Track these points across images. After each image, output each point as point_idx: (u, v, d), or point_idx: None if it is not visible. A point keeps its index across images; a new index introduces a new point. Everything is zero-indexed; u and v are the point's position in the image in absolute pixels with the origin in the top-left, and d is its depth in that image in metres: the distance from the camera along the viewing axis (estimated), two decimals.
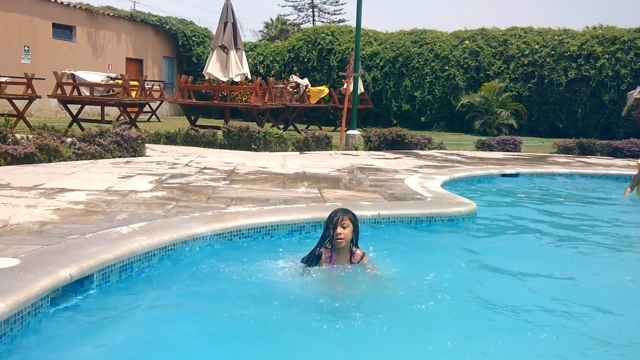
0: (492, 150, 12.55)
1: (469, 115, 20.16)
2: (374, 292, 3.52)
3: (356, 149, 11.98)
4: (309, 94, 19.11)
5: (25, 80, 14.24)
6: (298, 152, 10.84)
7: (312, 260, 3.67)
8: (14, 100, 14.14)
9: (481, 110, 19.85)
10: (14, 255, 3.19)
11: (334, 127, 20.30)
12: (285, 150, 11.00)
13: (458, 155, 11.24)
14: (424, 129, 20.75)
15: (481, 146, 12.92)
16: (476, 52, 21.57)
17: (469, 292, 3.57)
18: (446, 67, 21.86)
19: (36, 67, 19.21)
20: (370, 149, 11.96)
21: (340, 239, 3.55)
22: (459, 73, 21.67)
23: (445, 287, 3.59)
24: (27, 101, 14.08)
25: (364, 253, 3.73)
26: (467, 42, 21.94)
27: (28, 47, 20.29)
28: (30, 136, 9.16)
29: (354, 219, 3.67)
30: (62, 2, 21.97)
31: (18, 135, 9.41)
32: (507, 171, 8.69)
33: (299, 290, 3.42)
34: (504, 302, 3.43)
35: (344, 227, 3.57)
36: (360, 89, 17.34)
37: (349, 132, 12.57)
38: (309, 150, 11.18)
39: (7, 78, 15.41)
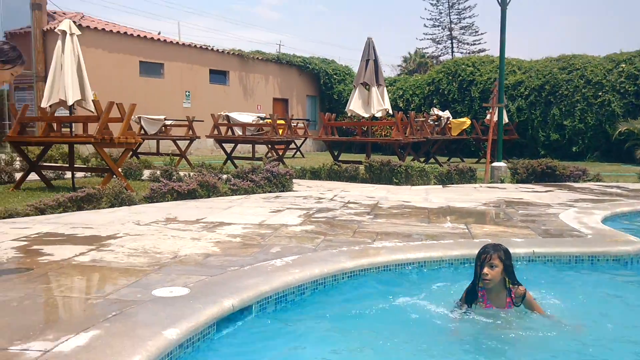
0: None
1: (629, 144, 18.49)
2: (542, 335, 3.22)
3: (502, 182, 11.51)
4: (450, 126, 18.83)
5: (187, 123, 15.69)
6: (441, 186, 10.67)
7: (465, 298, 3.50)
8: (177, 141, 15.62)
9: None
10: (184, 284, 3.49)
11: (477, 159, 19.73)
12: (428, 184, 10.89)
13: (618, 187, 10.32)
14: (576, 160, 19.40)
15: None
16: (635, 75, 19.87)
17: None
18: (599, 93, 20.37)
19: (195, 110, 21.13)
20: (517, 182, 11.42)
21: (487, 279, 3.34)
22: (614, 99, 20.07)
23: (621, 337, 3.27)
24: (188, 141, 15.47)
25: (525, 291, 3.40)
26: (624, 65, 20.30)
27: (189, 92, 22.37)
28: (192, 173, 10.04)
29: (505, 258, 3.41)
30: (217, 50, 24.02)
31: (181, 173, 10.37)
32: None
33: (451, 330, 3.34)
34: None
35: (491, 267, 3.34)
36: (505, 119, 16.73)
37: (494, 164, 12.13)
38: (452, 184, 10.95)
39: (172, 121, 17.11)
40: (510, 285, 3.41)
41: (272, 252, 4.52)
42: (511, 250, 4.58)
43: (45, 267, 3.95)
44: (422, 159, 16.40)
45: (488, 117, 17.34)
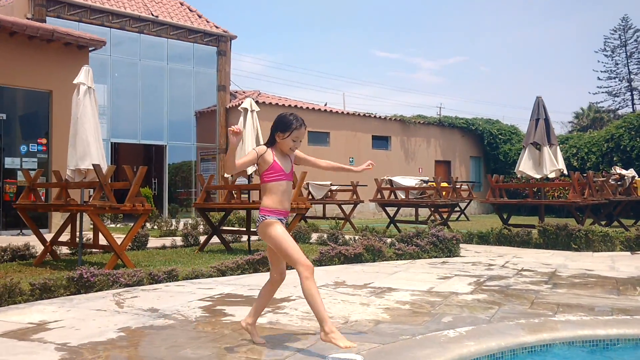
0: None
1: None
2: None
3: None
4: (635, 185, 17.03)
5: (351, 188, 16.16)
6: (629, 253, 9.58)
7: None
8: (342, 205, 16.11)
9: None
10: (357, 351, 3.49)
11: None
12: (612, 250, 9.84)
13: None
14: None
15: None
16: None
17: None
18: None
19: (359, 175, 21.72)
20: None
21: None
22: None
23: None
24: (352, 205, 15.87)
25: None
26: None
27: (352, 158, 23.15)
28: (357, 237, 10.22)
29: None
30: (380, 117, 24.73)
31: (346, 236, 10.60)
32: None
33: None
34: None
35: None
36: None
37: None
38: None
39: (337, 186, 17.75)
40: None
41: (444, 322, 4.37)
42: None
43: (228, 327, 4.23)
44: (603, 223, 14.94)
45: None
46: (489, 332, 4.00)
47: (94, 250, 9.30)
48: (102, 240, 8.13)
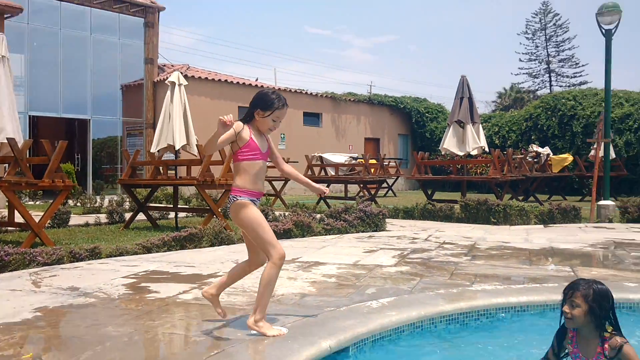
0: None
1: None
2: None
3: (610, 221, 10.78)
4: (550, 162, 18.02)
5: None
6: (542, 225, 10.17)
7: (556, 335, 3.06)
8: (272, 182, 16.09)
9: None
10: (282, 324, 3.55)
11: (580, 197, 18.69)
12: (528, 224, 10.42)
13: None
14: None
15: None
16: None
17: None
18: None
19: (290, 151, 21.75)
20: (628, 221, 10.65)
21: (567, 318, 2.89)
22: None
23: None
24: (283, 182, 15.88)
25: (623, 343, 2.80)
26: None
27: (284, 134, 23.10)
28: (287, 213, 10.27)
29: (594, 299, 2.83)
30: (311, 93, 24.74)
31: (277, 213, 10.63)
32: None
33: None
34: None
35: (572, 306, 2.87)
36: (612, 154, 15.78)
37: (601, 202, 11.42)
38: (554, 223, 10.41)
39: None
40: (607, 334, 2.86)
41: (368, 293, 4.50)
42: (621, 296, 4.29)
43: (152, 304, 4.17)
44: (521, 198, 15.75)
45: (592, 152, 16.44)
46: (410, 302, 4.16)
47: (9, 228, 8.87)
48: (19, 218, 7.76)
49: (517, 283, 4.95)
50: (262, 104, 3.52)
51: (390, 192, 21.84)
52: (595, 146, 12.79)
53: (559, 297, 4.36)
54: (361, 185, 16.31)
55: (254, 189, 3.49)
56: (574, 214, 10.72)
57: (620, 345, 2.79)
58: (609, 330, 2.87)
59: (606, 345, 2.84)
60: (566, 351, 3.03)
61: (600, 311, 2.84)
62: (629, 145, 20.73)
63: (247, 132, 3.49)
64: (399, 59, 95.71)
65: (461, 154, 13.17)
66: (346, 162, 16.29)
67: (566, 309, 2.91)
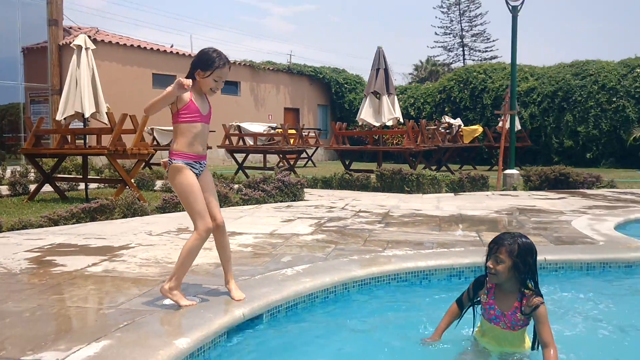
0: None
1: None
2: None
3: (515, 189, 11.45)
4: (461, 133, 18.79)
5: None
6: (452, 194, 10.63)
7: (472, 286, 3.06)
8: None
9: None
10: (195, 294, 3.52)
11: (489, 167, 19.65)
12: (439, 192, 10.85)
13: (633, 194, 10.22)
14: (590, 166, 19.26)
15: None
16: None
17: None
18: (614, 99, 20.25)
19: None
20: (530, 189, 11.35)
21: (491, 274, 2.84)
22: (629, 104, 19.95)
23: (623, 345, 3.24)
24: None
25: (540, 303, 2.79)
26: (639, 69, 20.16)
27: None
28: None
29: (519, 254, 2.79)
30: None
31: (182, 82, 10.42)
32: None
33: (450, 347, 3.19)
34: None
35: (497, 262, 2.81)
36: (517, 126, 16.66)
37: (507, 171, 12.08)
38: (464, 192, 10.91)
39: None
40: (527, 291, 2.83)
41: (283, 262, 4.54)
42: None
43: (58, 277, 4.00)
44: (433, 167, 16.35)
45: (500, 124, 17.30)
46: (324, 269, 4.24)
47: None
48: None
49: (427, 248, 5.16)
50: (202, 63, 3.38)
51: (309, 162, 21.99)
52: (502, 118, 13.45)
53: (465, 260, 4.62)
54: (280, 156, 16.30)
55: (189, 152, 3.37)
56: (482, 182, 11.27)
57: (537, 305, 2.78)
58: (530, 287, 2.83)
59: (524, 301, 2.81)
60: (479, 299, 3.02)
61: (524, 267, 2.79)
62: (533, 117, 21.96)
63: (187, 94, 3.35)
64: (319, 29, 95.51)
65: (377, 124, 13.43)
66: (265, 132, 16.18)
67: (490, 264, 2.83)
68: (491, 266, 2.83)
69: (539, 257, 4.61)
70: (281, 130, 15.79)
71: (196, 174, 3.41)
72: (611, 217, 7.04)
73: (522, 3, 11.99)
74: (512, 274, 2.82)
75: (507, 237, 2.86)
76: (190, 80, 3.29)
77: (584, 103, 20.84)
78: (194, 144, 3.37)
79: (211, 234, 3.47)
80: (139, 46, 20.61)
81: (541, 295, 2.83)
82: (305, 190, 9.87)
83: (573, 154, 20.98)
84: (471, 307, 3.08)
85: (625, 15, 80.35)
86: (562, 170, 11.52)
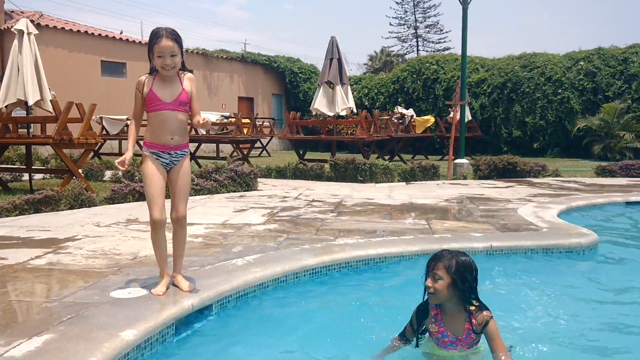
0: (614, 177, 11.73)
1: (587, 140, 19.08)
2: None
3: (465, 178, 11.71)
4: (414, 124, 19.06)
5: None
6: (404, 183, 10.79)
7: (416, 315, 2.84)
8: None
9: (600, 134, 18.72)
10: (143, 285, 3.46)
11: (440, 157, 20.03)
12: (392, 181, 11.00)
13: (575, 182, 10.62)
14: (537, 156, 19.88)
15: (601, 172, 12.12)
16: (593, 72, 20.48)
17: (594, 331, 3.34)
18: (559, 91, 20.92)
19: None
20: (479, 178, 11.64)
21: (430, 293, 2.71)
22: (573, 96, 20.65)
23: (565, 328, 3.38)
24: None
25: (489, 318, 2.67)
26: (582, 63, 20.90)
27: None
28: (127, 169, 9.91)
29: (456, 271, 2.66)
30: None
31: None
32: (633, 199, 8.07)
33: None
34: (633, 342, 3.18)
35: (434, 279, 2.68)
36: (468, 116, 17.02)
37: (457, 160, 12.34)
38: (416, 181, 11.09)
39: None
40: (472, 307, 2.69)
41: (234, 252, 4.51)
42: (469, 245, 4.71)
43: None
44: (386, 157, 16.54)
45: (451, 114, 17.64)
46: (275, 259, 4.24)
47: None
48: None
49: (378, 236, 5.22)
50: (148, 48, 3.31)
51: (264, 152, 21.87)
52: (453, 108, 13.71)
53: (414, 248, 4.71)
54: (234, 145, 16.15)
55: (153, 141, 3.34)
56: (433, 172, 11.48)
57: (487, 320, 2.66)
58: (475, 304, 2.70)
59: (474, 320, 2.68)
60: (424, 328, 2.84)
61: (463, 283, 2.65)
62: (483, 108, 22.46)
63: (147, 85, 3.32)
64: (274, 18, 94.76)
65: (331, 114, 13.47)
66: (217, 121, 15.98)
67: (429, 282, 2.70)
68: (429, 285, 2.69)
69: (486, 244, 4.81)
70: (234, 119, 15.63)
71: (164, 164, 3.37)
72: (554, 204, 7.30)
73: None
74: (451, 291, 2.68)
75: (445, 253, 2.74)
76: (123, 157, 3.38)
77: (531, 94, 21.44)
78: (158, 133, 3.32)
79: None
80: (86, 32, 19.96)
81: (487, 309, 2.71)
82: (259, 180, 9.83)
83: (521, 143, 21.59)
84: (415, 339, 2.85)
85: (570, 8, 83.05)
86: (510, 159, 11.85)
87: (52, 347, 2.49)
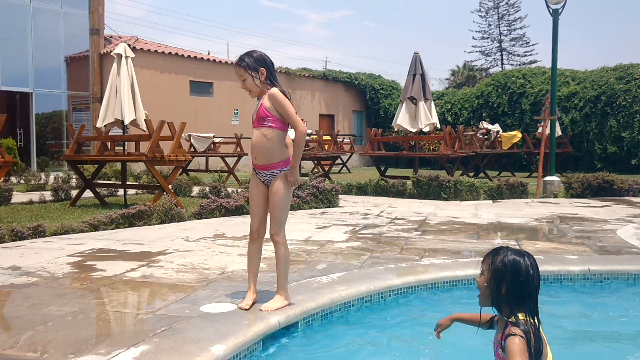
0: None
1: None
2: None
3: (555, 197, 11.16)
4: (500, 139, 18.46)
5: (235, 140, 15.96)
6: (491, 201, 10.43)
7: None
8: (225, 158, 15.89)
9: None
10: (231, 301, 3.52)
11: (528, 173, 19.25)
12: (477, 199, 10.67)
13: None
14: (635, 173, 18.65)
15: None
16: None
17: None
18: None
19: (243, 127, 21.48)
20: (571, 196, 11.05)
21: (478, 287, 2.33)
22: None
23: None
24: (236, 158, 15.72)
25: (512, 334, 2.09)
26: None
27: (237, 110, 22.77)
28: (239, 190, 10.19)
29: (496, 269, 2.21)
30: None
31: (229, 189, 10.52)
32: None
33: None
34: None
35: (480, 273, 2.33)
36: (558, 132, 16.27)
37: (547, 178, 11.79)
38: (503, 199, 10.70)
39: (220, 139, 17.45)
40: (512, 319, 2.17)
41: (318, 269, 4.51)
42: (564, 268, 4.45)
43: (98, 282, 4.07)
44: (471, 174, 16.10)
45: (540, 130, 16.91)
46: (359, 277, 4.20)
47: None
48: None
49: (465, 257, 5.06)
50: None
51: (344, 168, 21.94)
52: (542, 123, 13.15)
53: None
54: (315, 162, 16.31)
55: (253, 160, 3.48)
56: (521, 189, 11.03)
57: (509, 334, 2.11)
58: (520, 317, 2.16)
59: (506, 332, 2.14)
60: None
61: (499, 283, 2.19)
62: (574, 122, 21.41)
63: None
64: (355, 35, 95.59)
65: (413, 130, 13.31)
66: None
67: (478, 278, 2.35)
68: (477, 280, 2.35)
69: (583, 268, 4.51)
70: (316, 136, 15.80)
71: (263, 180, 3.48)
72: None
73: (564, 6, 11.71)
74: (486, 290, 2.27)
75: (503, 248, 2.30)
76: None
77: (628, 108, 20.21)
78: (252, 152, 3.46)
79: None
80: (176, 54, 20.98)
81: (532, 327, 2.13)
82: (339, 196, 9.85)
83: (617, 160, 20.36)
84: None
85: None
86: (605, 177, 11.18)
87: (148, 359, 2.57)
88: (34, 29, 18.79)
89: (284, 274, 3.45)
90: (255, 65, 3.39)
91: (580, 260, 4.77)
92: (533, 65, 31.89)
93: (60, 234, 6.25)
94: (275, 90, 3.42)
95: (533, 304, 2.20)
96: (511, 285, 2.19)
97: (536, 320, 2.18)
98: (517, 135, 19.22)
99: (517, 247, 5.47)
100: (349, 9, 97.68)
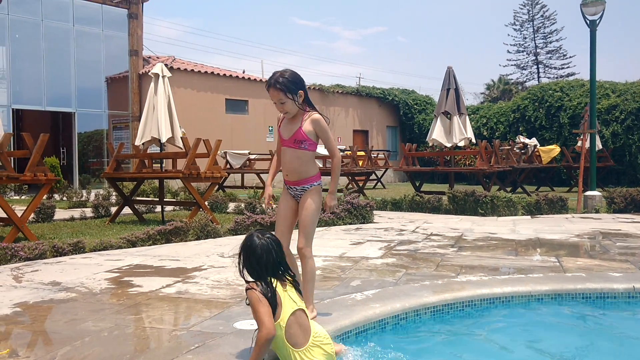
0: None
1: None
2: None
3: (597, 212, 10.84)
4: (537, 154, 18.11)
5: (270, 157, 16.10)
6: (529, 216, 10.20)
7: None
8: (261, 174, 16.03)
9: None
10: None
11: (568, 188, 18.80)
12: (515, 215, 10.45)
13: None
14: None
15: None
16: None
17: None
18: None
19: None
20: (614, 212, 10.72)
21: None
22: None
23: None
24: None
25: (248, 288, 2.77)
26: None
27: (272, 127, 22.99)
28: (274, 206, 10.22)
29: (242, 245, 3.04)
30: None
31: (264, 206, 10.56)
32: None
33: None
34: None
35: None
36: (598, 145, 15.88)
37: (587, 193, 11.47)
38: (541, 214, 10.45)
39: (256, 155, 17.63)
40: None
41: (353, 286, 4.47)
42: (607, 286, 4.31)
43: (135, 298, 4.12)
44: (508, 189, 15.80)
45: (579, 143, 16.52)
46: (394, 294, 4.13)
47: None
48: (2, 213, 7.64)
49: (503, 274, 4.94)
50: None
51: (379, 184, 21.84)
52: (581, 137, 12.85)
53: (544, 287, 4.39)
54: (349, 177, 16.29)
55: (284, 177, 3.54)
56: (561, 204, 10.76)
57: (246, 288, 2.77)
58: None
59: None
60: None
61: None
62: (615, 136, 20.86)
63: (281, 122, 3.55)
64: (388, 51, 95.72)
65: (448, 145, 13.17)
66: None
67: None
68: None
69: (628, 286, 4.34)
70: (350, 152, 15.80)
71: (293, 195, 3.56)
72: None
73: (601, 17, 11.48)
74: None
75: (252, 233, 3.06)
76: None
77: None
78: (284, 169, 3.52)
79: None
80: (212, 72, 21.36)
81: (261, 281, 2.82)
82: (374, 212, 9.78)
83: None
84: None
85: None
86: None
87: None
88: (77, 51, 19.45)
89: (311, 288, 3.48)
90: (294, 88, 3.40)
91: (625, 278, 4.59)
92: (571, 78, 31.27)
93: (99, 250, 6.37)
94: (319, 117, 3.46)
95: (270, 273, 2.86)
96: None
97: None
98: (555, 149, 18.84)
99: (558, 264, 5.32)
100: (382, 25, 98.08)
